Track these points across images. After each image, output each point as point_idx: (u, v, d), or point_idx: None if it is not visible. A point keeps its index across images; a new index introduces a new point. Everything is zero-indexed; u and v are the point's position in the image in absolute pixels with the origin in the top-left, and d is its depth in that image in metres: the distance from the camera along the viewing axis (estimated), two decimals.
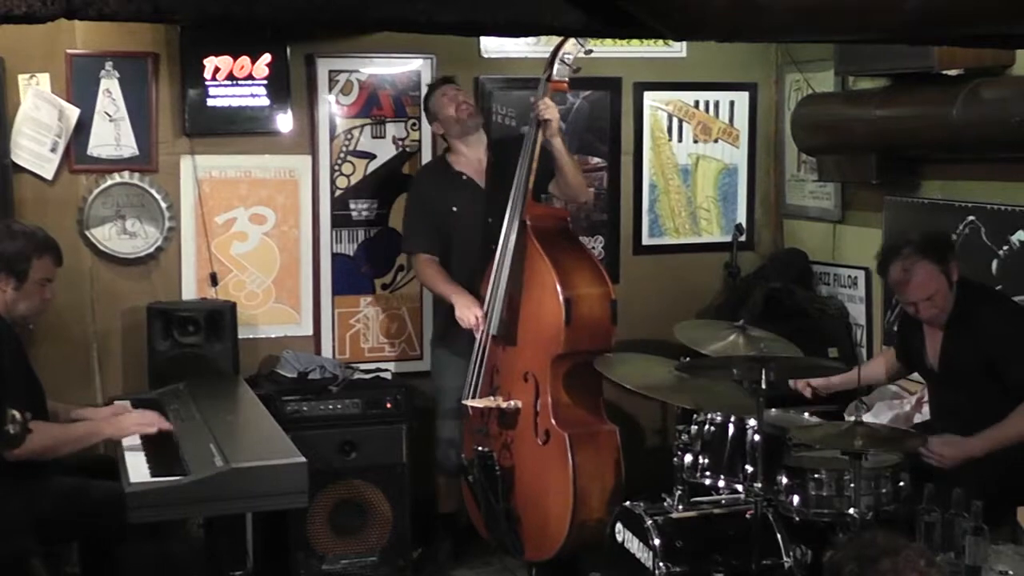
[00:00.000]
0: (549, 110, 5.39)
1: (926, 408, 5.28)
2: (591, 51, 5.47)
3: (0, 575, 4.22)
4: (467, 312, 5.47)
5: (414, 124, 6.16)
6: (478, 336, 5.45)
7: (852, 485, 4.35)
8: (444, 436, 5.80)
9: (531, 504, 5.34)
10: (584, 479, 5.20)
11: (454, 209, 5.70)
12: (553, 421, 5.25)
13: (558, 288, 5.25)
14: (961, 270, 4.86)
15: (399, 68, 6.13)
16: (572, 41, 5.29)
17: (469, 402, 5.45)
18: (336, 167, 6.10)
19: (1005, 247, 5.27)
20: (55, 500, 4.47)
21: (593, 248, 6.38)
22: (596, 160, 6.48)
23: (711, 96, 6.65)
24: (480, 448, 5.42)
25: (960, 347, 4.81)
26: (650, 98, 6.54)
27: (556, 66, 5.36)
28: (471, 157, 5.74)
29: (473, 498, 5.55)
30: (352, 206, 6.14)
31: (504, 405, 5.38)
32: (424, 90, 5.94)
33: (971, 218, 5.44)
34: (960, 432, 4.68)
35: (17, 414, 3.58)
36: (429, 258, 5.75)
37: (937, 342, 4.90)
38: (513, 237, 5.37)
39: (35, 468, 4.44)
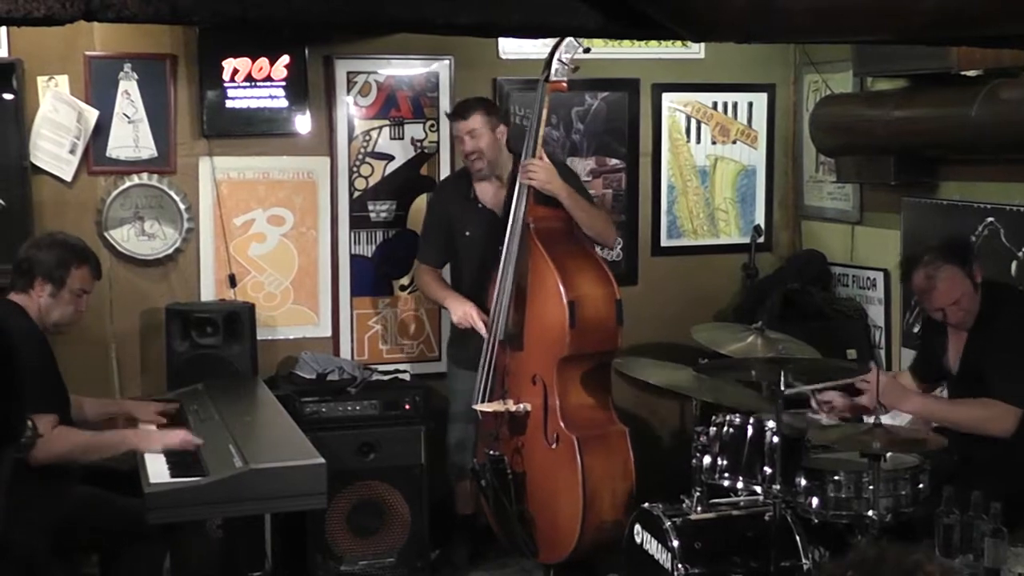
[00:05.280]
0: (533, 174, 5.29)
1: None
2: (589, 50, 5.42)
3: (17, 574, 4.23)
4: (461, 312, 5.49)
5: (432, 125, 6.16)
6: (484, 335, 5.43)
7: (871, 487, 4.34)
8: (455, 440, 5.80)
9: (543, 507, 5.33)
10: (594, 481, 5.19)
11: (467, 234, 5.68)
12: (562, 424, 5.23)
13: (561, 290, 5.23)
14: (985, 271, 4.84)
15: (417, 69, 6.13)
16: (569, 41, 5.19)
17: (479, 406, 5.43)
18: (354, 168, 6.10)
19: None
20: (75, 508, 4.49)
21: (611, 250, 6.36)
22: (614, 162, 6.47)
23: (729, 97, 6.64)
24: (491, 452, 5.40)
25: (980, 349, 4.78)
26: (668, 99, 6.53)
27: (554, 66, 5.24)
28: (487, 190, 5.67)
29: (485, 501, 5.54)
30: (370, 207, 6.14)
31: (514, 409, 5.36)
32: (441, 92, 5.92)
33: (990, 219, 5.41)
34: (974, 438, 4.66)
35: (29, 422, 3.59)
36: (428, 268, 5.79)
37: (960, 345, 4.87)
38: (516, 239, 5.34)
39: (59, 474, 4.46)
